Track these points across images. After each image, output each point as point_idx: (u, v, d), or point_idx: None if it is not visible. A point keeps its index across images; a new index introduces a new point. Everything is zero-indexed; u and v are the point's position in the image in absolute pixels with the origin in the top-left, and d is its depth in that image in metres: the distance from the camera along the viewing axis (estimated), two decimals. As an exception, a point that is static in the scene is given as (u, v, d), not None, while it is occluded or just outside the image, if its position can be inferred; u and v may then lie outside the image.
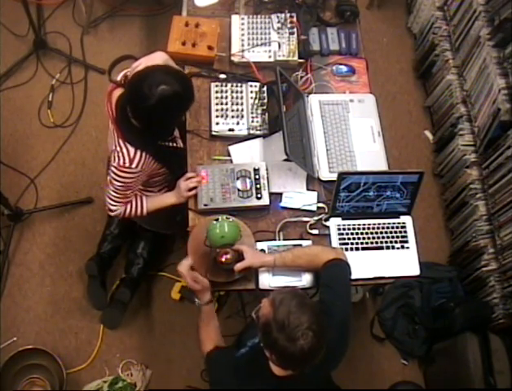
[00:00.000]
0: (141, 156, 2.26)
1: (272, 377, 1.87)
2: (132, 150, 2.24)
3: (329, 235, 2.38)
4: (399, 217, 2.44)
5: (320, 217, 2.41)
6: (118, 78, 2.32)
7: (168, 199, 2.47)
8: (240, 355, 2.02)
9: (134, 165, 2.25)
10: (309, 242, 2.33)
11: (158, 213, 2.51)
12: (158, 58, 2.41)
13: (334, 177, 2.34)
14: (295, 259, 2.15)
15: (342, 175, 2.31)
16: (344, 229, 2.38)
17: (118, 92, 2.28)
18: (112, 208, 2.40)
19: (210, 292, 2.16)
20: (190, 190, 2.38)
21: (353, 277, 2.15)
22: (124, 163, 2.24)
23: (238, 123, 2.54)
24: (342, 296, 2.02)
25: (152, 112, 2.13)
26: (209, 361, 2.09)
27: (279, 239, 2.35)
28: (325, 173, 2.49)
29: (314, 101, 2.62)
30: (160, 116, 2.17)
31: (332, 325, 1.88)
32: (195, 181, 2.38)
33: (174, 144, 2.48)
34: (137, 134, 2.25)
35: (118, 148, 2.25)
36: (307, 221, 2.39)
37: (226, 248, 2.13)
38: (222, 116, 2.54)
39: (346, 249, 2.34)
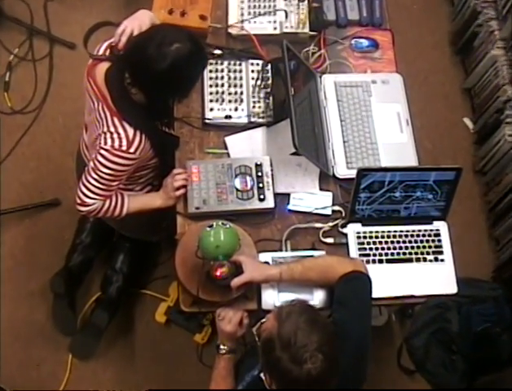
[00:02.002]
0: (141, 140, 2.25)
1: None
2: (131, 131, 2.23)
3: (347, 244, 2.41)
4: (431, 223, 2.47)
5: (336, 222, 2.44)
6: (97, 52, 2.32)
7: (153, 200, 2.49)
8: None
9: (132, 150, 2.24)
10: (322, 252, 2.36)
11: (139, 216, 2.52)
12: (145, 17, 2.37)
13: (353, 174, 2.37)
14: (306, 271, 2.17)
15: (363, 172, 2.34)
16: (365, 237, 2.42)
17: (103, 67, 2.28)
18: (87, 201, 2.34)
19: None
20: (178, 189, 2.41)
21: (375, 295, 2.17)
22: (120, 146, 2.22)
23: (236, 109, 2.58)
24: (360, 316, 2.05)
25: (164, 77, 2.12)
26: None
27: (286, 250, 2.38)
28: (342, 170, 2.53)
29: (328, 82, 2.66)
30: (175, 82, 2.16)
31: (346, 350, 1.91)
32: (182, 178, 2.41)
33: (169, 130, 2.51)
34: (138, 111, 2.25)
35: (113, 129, 2.23)
36: (320, 228, 2.43)
37: (221, 260, 2.15)
38: (217, 101, 2.58)
39: (368, 262, 2.38)
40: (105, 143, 2.23)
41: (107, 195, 2.36)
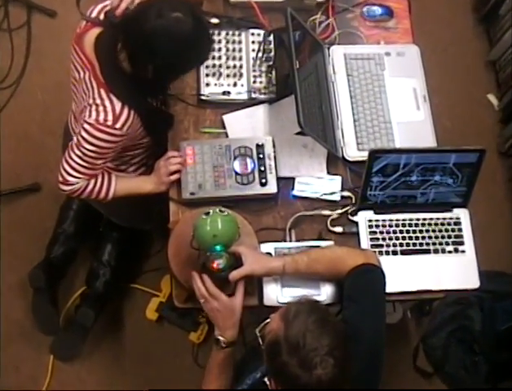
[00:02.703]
0: (128, 115, 2.25)
1: None
2: (118, 105, 2.23)
3: (358, 233, 2.43)
4: (451, 211, 2.49)
5: (346, 209, 2.46)
6: (89, 16, 2.31)
7: (143, 184, 2.50)
8: None
9: (118, 125, 2.24)
10: (330, 243, 2.37)
11: (128, 201, 2.53)
12: None
13: (364, 156, 2.37)
14: (312, 264, 2.17)
15: (375, 154, 2.34)
16: (377, 226, 2.43)
17: (93, 33, 2.27)
18: (70, 179, 2.34)
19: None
20: (172, 174, 2.42)
21: (389, 290, 2.18)
22: (105, 120, 2.22)
23: (235, 84, 2.59)
24: (373, 314, 2.06)
25: (158, 45, 2.12)
26: None
27: (290, 240, 2.40)
28: (352, 152, 2.54)
29: (337, 54, 2.66)
30: (168, 53, 2.15)
31: (358, 353, 1.91)
32: (177, 162, 2.41)
33: (164, 107, 2.52)
34: (128, 84, 2.25)
35: (99, 101, 2.24)
36: (328, 216, 2.44)
37: (219, 250, 2.13)
38: (214, 75, 2.58)
39: (381, 253, 2.40)
40: (89, 116, 2.23)
41: (91, 173, 2.36)
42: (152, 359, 3.21)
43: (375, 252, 2.35)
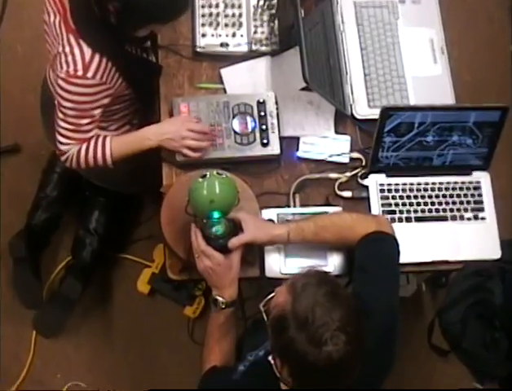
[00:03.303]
0: (100, 62, 2.26)
1: None
2: (88, 52, 2.25)
3: (368, 198, 2.44)
4: (470, 174, 2.50)
5: (355, 172, 2.47)
6: None
7: (144, 137, 2.44)
8: (239, 376, 2.06)
9: (89, 74, 2.25)
10: (338, 209, 2.37)
11: (125, 163, 2.52)
12: None
13: (376, 114, 2.37)
14: (319, 231, 2.17)
15: (388, 112, 2.34)
16: (390, 190, 2.44)
17: None
18: (62, 148, 2.40)
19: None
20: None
21: (402, 260, 2.18)
22: (75, 70, 2.24)
23: (234, 34, 2.58)
24: (386, 286, 2.07)
25: None
26: (199, 387, 2.14)
27: (294, 205, 2.41)
28: (362, 109, 2.54)
29: (346, 2, 2.66)
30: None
31: (371, 328, 1.90)
32: (199, 128, 2.39)
33: (145, 55, 2.51)
34: (100, 29, 2.25)
35: (68, 48, 2.25)
36: (336, 179, 2.45)
37: (217, 217, 2.13)
38: (210, 25, 2.57)
39: (393, 220, 2.40)
40: (61, 68, 2.26)
41: (79, 137, 2.39)
42: (143, 335, 3.24)
43: (387, 219, 2.36)
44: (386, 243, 2.12)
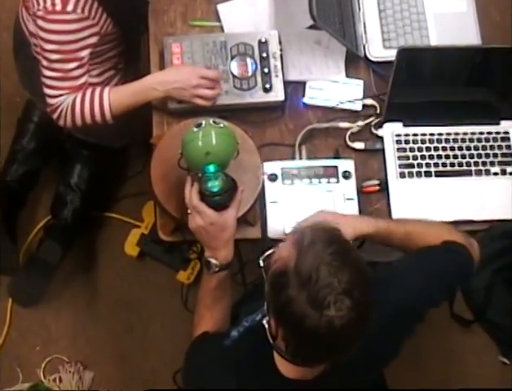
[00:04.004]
0: None
1: (277, 377, 1.93)
2: None
3: (383, 150, 2.44)
4: (498, 123, 2.49)
5: (369, 121, 2.46)
6: None
7: (148, 87, 2.39)
8: (231, 342, 2.08)
9: (69, 8, 2.23)
10: (349, 162, 2.38)
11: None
12: None
13: (392, 55, 2.36)
14: (405, 239, 2.16)
15: (406, 53, 2.33)
16: (407, 141, 2.44)
17: None
18: (53, 102, 2.39)
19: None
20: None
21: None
22: (53, 5, 2.23)
23: (233, -36, 2.56)
24: (438, 282, 2.08)
25: None
26: (187, 354, 2.16)
27: (300, 158, 2.42)
28: (377, 50, 2.53)
29: None
30: None
31: (385, 306, 1.93)
32: (213, 75, 2.38)
33: None
34: None
35: None
36: (347, 129, 2.45)
37: (213, 171, 2.11)
38: (205, -47, 2.55)
39: (411, 175, 2.41)
40: (37, 5, 2.25)
41: (68, 86, 2.38)
42: (132, 303, 3.26)
43: (404, 173, 2.38)
44: (461, 257, 2.14)
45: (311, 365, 1.86)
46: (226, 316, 2.25)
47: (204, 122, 2.09)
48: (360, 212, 2.33)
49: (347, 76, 2.51)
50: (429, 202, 2.35)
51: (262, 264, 1.91)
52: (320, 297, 1.67)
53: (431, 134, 2.44)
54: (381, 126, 2.45)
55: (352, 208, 2.33)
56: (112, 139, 3.03)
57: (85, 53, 2.36)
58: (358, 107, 2.47)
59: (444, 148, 2.43)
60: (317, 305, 1.67)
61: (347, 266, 1.72)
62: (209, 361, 2.07)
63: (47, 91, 2.38)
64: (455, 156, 2.43)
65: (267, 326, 1.83)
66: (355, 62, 2.52)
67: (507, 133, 2.47)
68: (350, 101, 2.46)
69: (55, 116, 2.42)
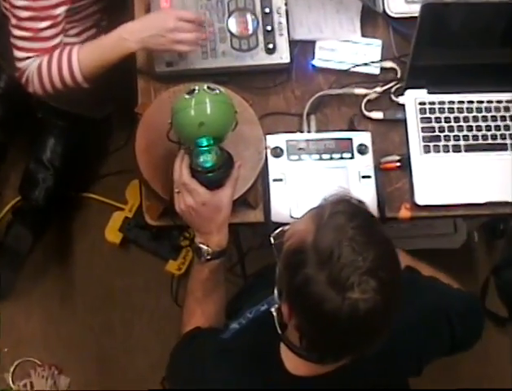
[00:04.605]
0: None
1: (283, 375, 1.92)
2: None
3: (405, 120, 2.45)
4: (538, 90, 2.49)
5: (388, 87, 2.48)
6: None
7: (118, 38, 2.39)
8: (229, 335, 2.11)
9: None
10: (365, 134, 2.39)
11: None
12: None
13: (416, 11, 2.34)
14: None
15: (431, 8, 2.31)
16: (432, 110, 2.45)
17: None
18: (21, 65, 2.42)
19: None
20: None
21: (448, 201, 2.31)
22: None
23: None
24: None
25: None
26: (174, 350, 2.19)
27: (309, 130, 2.43)
28: (398, 5, 2.54)
29: None
30: None
31: (418, 297, 2.00)
32: (191, 16, 2.37)
33: None
34: None
35: None
36: (363, 96, 2.46)
37: (208, 144, 2.11)
38: None
39: (437, 149, 2.42)
40: None
41: (39, 47, 2.41)
42: (113, 298, 3.29)
43: (429, 147, 2.40)
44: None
45: (329, 361, 1.85)
46: (219, 312, 2.27)
47: (197, 88, 2.10)
48: (378, 192, 2.34)
49: (363, 35, 2.52)
50: (457, 181, 2.37)
51: (273, 241, 1.91)
52: (343, 277, 1.65)
53: (460, 102, 2.45)
54: (402, 93, 2.47)
55: (369, 187, 2.34)
56: (92, 108, 3.03)
57: (60, 10, 2.37)
58: (376, 70, 2.49)
59: (475, 118, 2.44)
60: (339, 286, 1.65)
61: (373, 243, 1.71)
62: (203, 356, 2.06)
63: (16, 53, 2.40)
64: (488, 128, 2.44)
65: (275, 314, 1.84)
66: (373, 19, 2.54)
67: (549, 102, 2.47)
68: (366, 64, 2.48)
69: (22, 81, 2.44)
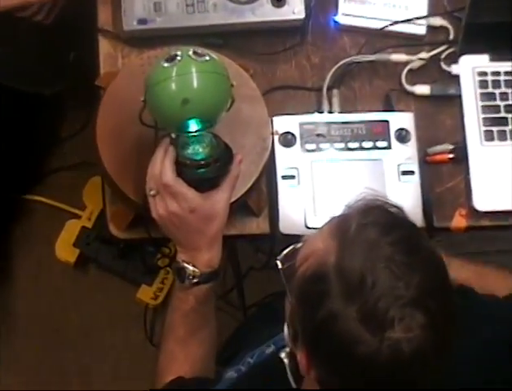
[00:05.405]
0: None
1: None
2: None
3: (459, 97, 2.44)
4: None
5: (437, 52, 2.47)
6: None
7: None
8: (226, 388, 2.08)
9: None
10: (406, 116, 2.38)
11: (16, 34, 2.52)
12: None
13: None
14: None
15: None
16: (497, 83, 2.44)
17: None
18: None
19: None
20: None
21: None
22: None
23: None
24: None
25: None
26: None
27: (330, 109, 2.42)
28: None
29: None
30: None
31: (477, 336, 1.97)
32: None
33: None
34: None
35: None
36: (403, 64, 2.45)
37: (197, 129, 2.11)
38: None
39: (502, 136, 2.41)
40: None
41: None
42: (67, 335, 3.30)
43: (491, 134, 2.39)
44: None
45: None
46: (209, 355, 2.24)
47: (179, 53, 2.06)
48: (424, 193, 2.33)
49: (402, -18, 2.53)
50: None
51: (280, 265, 1.86)
52: (379, 311, 1.60)
53: (535, 72, 2.47)
54: (456, 60, 2.46)
55: (411, 187, 2.33)
56: (37, 79, 3.03)
57: None
58: (420, 30, 2.48)
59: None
60: (375, 323, 1.60)
61: (417, 263, 1.66)
62: None
63: None
64: None
65: (286, 361, 1.82)
66: (414, -40, 2.55)
67: None
68: (408, 20, 2.47)
69: None
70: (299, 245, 1.81)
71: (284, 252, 1.85)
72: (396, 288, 1.60)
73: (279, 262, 1.85)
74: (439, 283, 1.69)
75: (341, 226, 1.70)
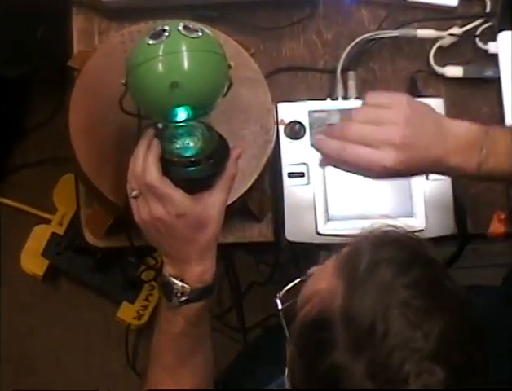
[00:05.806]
0: None
1: None
2: None
3: (498, 79, 2.42)
4: None
5: (471, 26, 2.45)
6: None
7: None
8: None
9: None
10: (435, 102, 2.32)
11: None
12: None
13: None
14: None
15: None
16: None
17: None
18: None
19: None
20: None
21: None
22: None
23: None
24: None
25: None
26: None
27: (345, 94, 2.40)
28: None
29: None
30: None
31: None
32: None
33: None
34: None
35: None
36: (432, 42, 2.44)
37: (187, 118, 2.09)
38: None
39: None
40: None
41: None
42: (35, 360, 3.28)
43: None
44: None
45: None
46: (203, 384, 2.22)
47: (167, 28, 2.05)
48: (456, 195, 2.30)
49: None
50: None
51: (280, 305, 1.84)
52: (392, 366, 1.57)
53: None
54: (493, 37, 2.44)
55: (441, 188, 2.32)
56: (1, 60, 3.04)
57: None
58: (452, 1, 2.44)
59: None
60: (386, 380, 1.58)
61: (439, 308, 1.64)
62: None
63: None
64: None
65: None
66: None
67: None
68: None
69: None
70: (299, 280, 1.81)
71: (286, 287, 1.83)
72: (412, 339, 1.57)
73: (278, 301, 1.84)
74: (464, 331, 1.66)
75: (349, 263, 1.68)
